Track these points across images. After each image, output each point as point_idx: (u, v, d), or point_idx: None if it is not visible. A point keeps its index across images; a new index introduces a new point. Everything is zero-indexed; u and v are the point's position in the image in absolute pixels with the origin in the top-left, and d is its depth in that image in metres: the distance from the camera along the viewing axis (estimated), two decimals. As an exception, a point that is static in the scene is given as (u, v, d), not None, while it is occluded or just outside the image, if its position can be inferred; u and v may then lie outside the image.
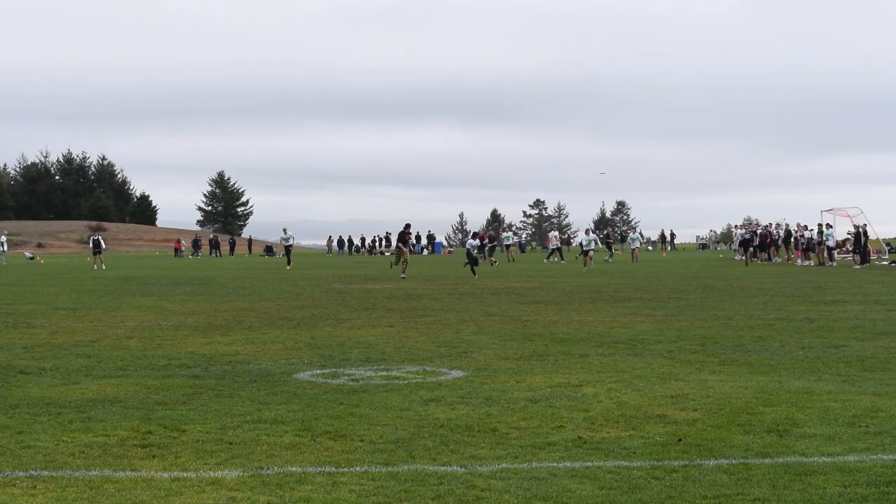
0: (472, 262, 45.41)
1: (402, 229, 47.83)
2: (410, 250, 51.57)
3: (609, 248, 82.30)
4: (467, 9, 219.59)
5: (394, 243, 56.49)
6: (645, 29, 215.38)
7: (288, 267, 58.85)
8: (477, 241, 50.90)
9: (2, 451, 9.57)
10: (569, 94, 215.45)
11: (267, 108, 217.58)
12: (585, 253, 56.97)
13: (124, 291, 35.62)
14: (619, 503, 7.60)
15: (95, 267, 58.72)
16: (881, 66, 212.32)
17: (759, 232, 64.65)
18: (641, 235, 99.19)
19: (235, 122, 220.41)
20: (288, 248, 64.78)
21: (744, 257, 59.93)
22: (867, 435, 9.97)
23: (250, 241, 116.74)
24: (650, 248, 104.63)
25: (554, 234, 79.18)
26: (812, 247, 58.34)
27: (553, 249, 73.70)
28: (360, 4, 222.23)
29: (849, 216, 66.27)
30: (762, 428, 10.34)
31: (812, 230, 60.98)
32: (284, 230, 64.07)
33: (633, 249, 71.25)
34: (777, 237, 63.77)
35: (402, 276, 43.64)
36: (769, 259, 64.21)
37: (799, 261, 59.76)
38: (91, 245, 64.47)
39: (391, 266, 47.52)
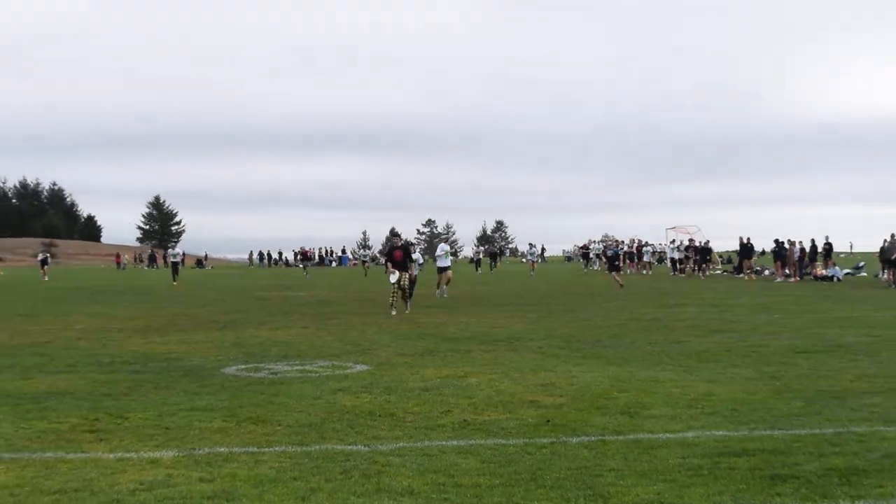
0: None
1: (392, 242, 29.32)
2: (410, 276, 27.01)
3: (493, 260, 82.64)
4: (372, 62, 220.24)
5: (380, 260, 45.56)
6: (517, 81, 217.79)
7: (174, 283, 50.62)
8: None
9: (-33, 437, 9.39)
10: (456, 132, 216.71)
11: (199, 142, 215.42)
12: (441, 270, 35.11)
13: (74, 300, 34.97)
14: (498, 475, 7.66)
15: (46, 278, 57.87)
16: (714, 110, 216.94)
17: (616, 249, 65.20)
18: (542, 250, 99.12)
19: (171, 154, 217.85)
20: (174, 265, 56.33)
21: (618, 279, 43.26)
22: (702, 415, 10.16)
23: (184, 255, 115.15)
24: (541, 260, 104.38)
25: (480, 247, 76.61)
26: (662, 259, 59.35)
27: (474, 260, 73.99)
28: (277, 58, 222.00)
29: (688, 233, 67.43)
30: (616, 410, 10.49)
31: (652, 245, 62.07)
32: (173, 245, 59.71)
33: (532, 262, 70.57)
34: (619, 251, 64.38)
35: (394, 312, 25.30)
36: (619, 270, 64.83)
37: (644, 271, 60.65)
38: (39, 263, 63.91)
39: (391, 305, 25.78)
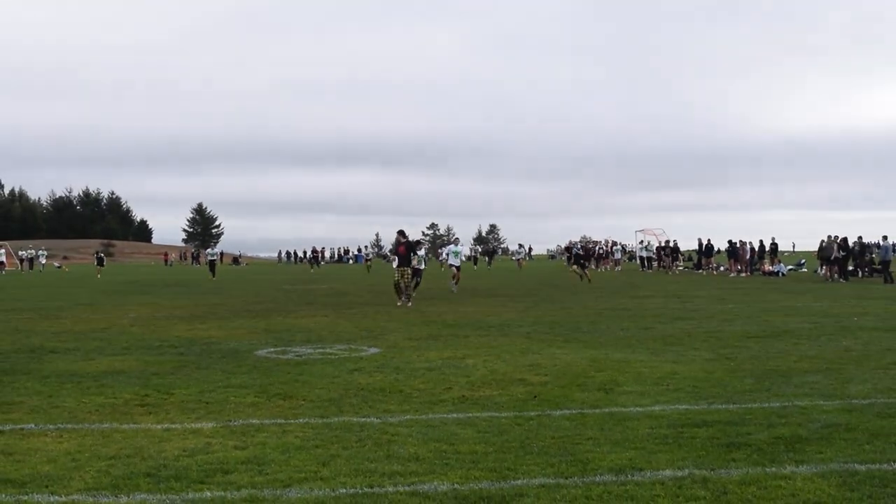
0: None
1: (397, 239, 26.09)
2: (413, 268, 26.61)
3: (489, 257, 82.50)
4: (384, 87, 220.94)
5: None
6: (509, 103, 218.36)
7: (213, 278, 48.96)
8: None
9: (37, 409, 9.35)
10: (456, 148, 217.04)
11: (236, 157, 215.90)
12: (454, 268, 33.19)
13: (127, 292, 34.93)
14: (492, 443, 7.63)
15: (99, 276, 57.85)
16: (678, 130, 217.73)
17: (585, 247, 64.89)
18: (529, 249, 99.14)
19: (212, 167, 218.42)
20: (212, 262, 53.95)
21: (578, 271, 40.79)
22: (668, 391, 10.14)
23: (222, 254, 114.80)
24: (529, 258, 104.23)
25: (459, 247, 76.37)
26: (632, 257, 59.12)
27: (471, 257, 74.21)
28: (302, 83, 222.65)
29: (655, 234, 67.39)
30: (594, 387, 10.46)
31: (621, 245, 61.84)
32: (213, 245, 58.12)
33: (519, 259, 70.32)
34: (599, 250, 64.15)
35: (399, 303, 25.03)
36: (595, 267, 64.58)
37: (617, 268, 60.45)
38: (96, 260, 63.80)
39: (406, 296, 25.47)
